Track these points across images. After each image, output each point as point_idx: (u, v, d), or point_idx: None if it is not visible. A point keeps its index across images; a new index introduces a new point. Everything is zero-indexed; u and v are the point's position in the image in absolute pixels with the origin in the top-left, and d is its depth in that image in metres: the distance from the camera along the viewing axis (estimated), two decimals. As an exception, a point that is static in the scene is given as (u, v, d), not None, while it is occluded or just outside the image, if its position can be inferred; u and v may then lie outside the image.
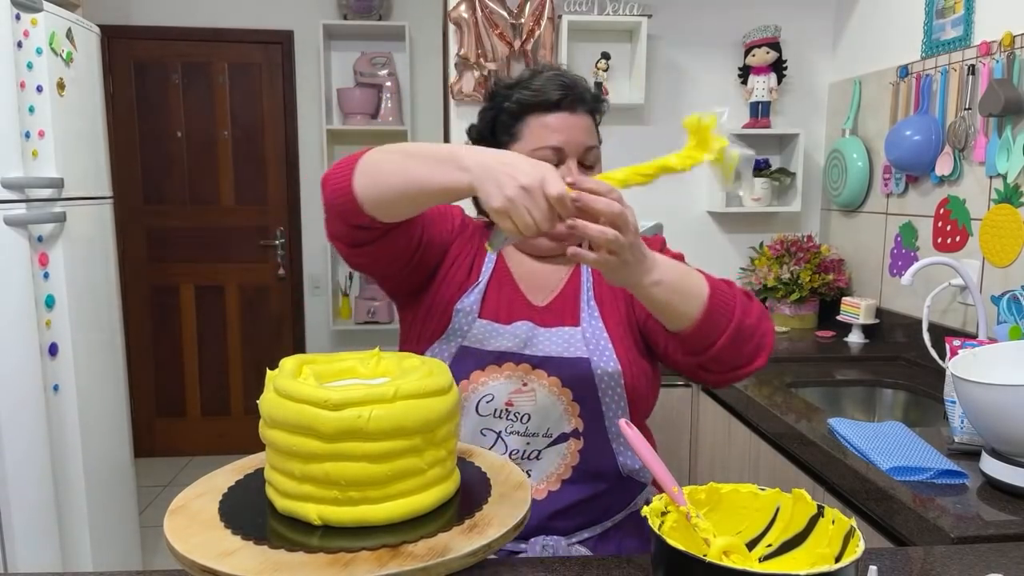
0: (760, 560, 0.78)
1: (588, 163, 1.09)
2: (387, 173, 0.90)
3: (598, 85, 2.54)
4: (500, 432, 1.03)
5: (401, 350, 1.12)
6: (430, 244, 1.10)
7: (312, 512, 0.73)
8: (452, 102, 2.57)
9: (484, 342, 1.07)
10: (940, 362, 1.80)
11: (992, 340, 1.67)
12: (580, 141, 1.08)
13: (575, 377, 1.04)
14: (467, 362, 1.05)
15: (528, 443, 1.03)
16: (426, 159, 0.87)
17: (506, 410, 1.03)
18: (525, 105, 1.09)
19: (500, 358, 1.05)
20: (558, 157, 1.07)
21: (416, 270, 1.10)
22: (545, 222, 0.80)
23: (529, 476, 1.01)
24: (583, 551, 1.05)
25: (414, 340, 1.14)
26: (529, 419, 1.03)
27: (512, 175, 0.80)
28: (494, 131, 1.13)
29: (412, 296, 1.15)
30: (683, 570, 0.67)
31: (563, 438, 1.04)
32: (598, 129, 1.15)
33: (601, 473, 1.05)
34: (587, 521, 1.06)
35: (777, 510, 0.79)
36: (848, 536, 0.72)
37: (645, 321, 1.10)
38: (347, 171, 0.93)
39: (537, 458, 1.03)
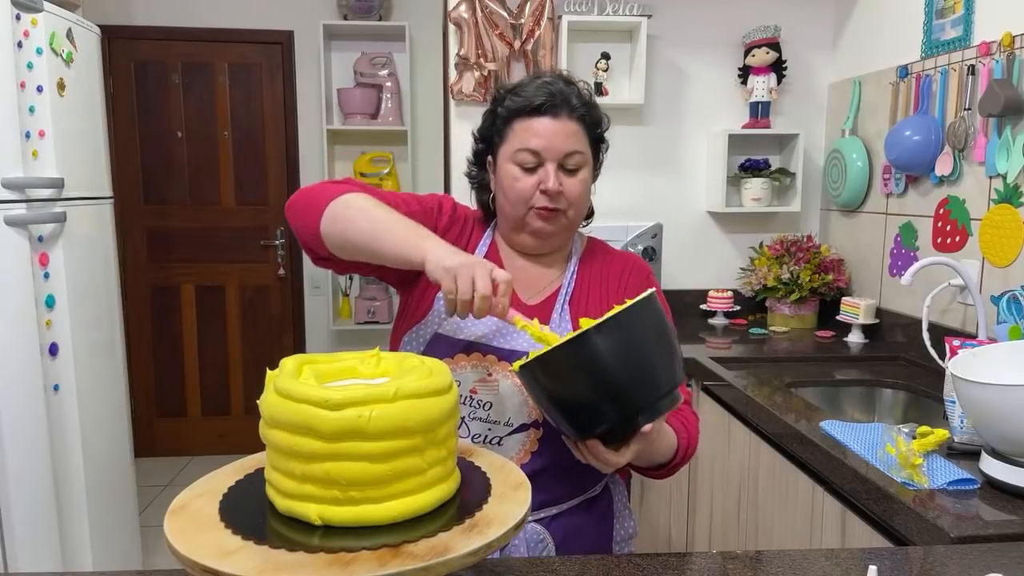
0: None
1: (570, 167, 1.14)
2: (354, 232, 1.02)
3: (598, 85, 2.54)
4: (464, 417, 1.09)
5: (392, 331, 1.21)
6: None
7: (313, 512, 0.72)
8: (452, 102, 2.57)
9: (457, 331, 1.13)
10: (940, 362, 1.80)
11: (992, 340, 1.67)
12: (559, 146, 1.12)
13: None
14: (439, 348, 1.12)
15: (490, 429, 1.10)
16: (395, 229, 1.00)
17: (470, 397, 1.09)
18: (513, 110, 1.14)
19: (469, 347, 1.11)
20: (537, 160, 1.12)
21: (394, 271, 1.14)
22: (482, 291, 0.90)
23: None
24: (537, 528, 1.12)
25: (401, 322, 1.21)
26: (491, 407, 1.09)
27: (460, 253, 0.95)
28: (490, 133, 1.19)
29: (405, 283, 1.21)
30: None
31: (523, 428, 1.10)
32: (597, 135, 1.19)
33: (558, 462, 1.09)
34: (542, 501, 1.11)
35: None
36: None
37: None
38: (315, 213, 1.05)
39: (499, 444, 1.10)
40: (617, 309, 0.90)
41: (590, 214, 1.29)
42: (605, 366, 0.88)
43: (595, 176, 1.22)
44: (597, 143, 1.20)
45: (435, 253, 0.94)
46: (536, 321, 0.97)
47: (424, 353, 1.11)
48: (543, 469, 1.10)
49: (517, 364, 0.94)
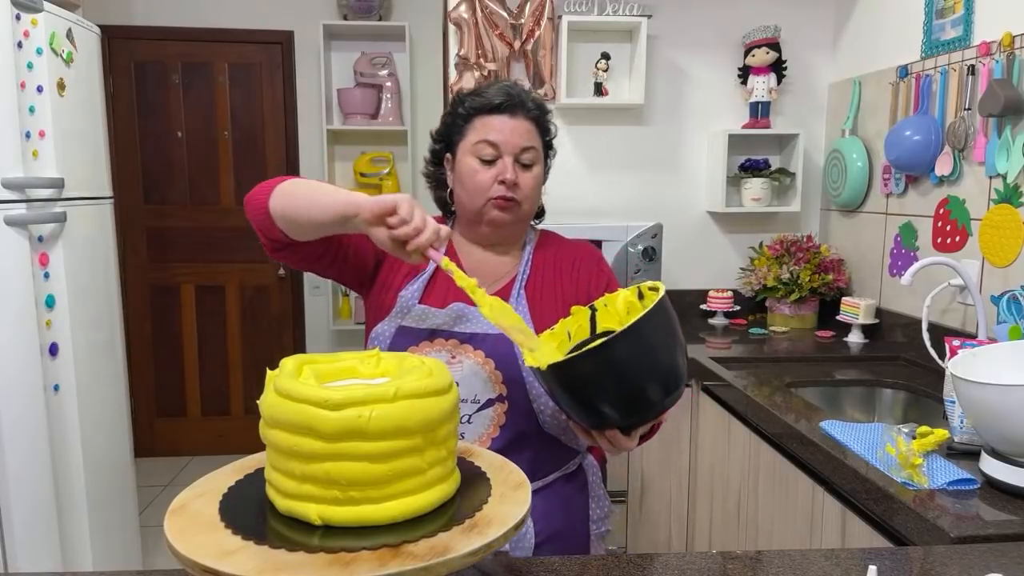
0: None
1: (525, 162, 1.23)
2: (297, 202, 1.08)
3: (598, 86, 2.54)
4: None
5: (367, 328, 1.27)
6: (360, 250, 1.25)
7: (313, 512, 0.73)
8: (452, 102, 2.57)
9: (420, 321, 1.21)
10: (940, 362, 1.80)
11: (992, 340, 1.67)
12: (516, 142, 1.22)
13: (498, 350, 1.17)
14: (403, 340, 1.19)
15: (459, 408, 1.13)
16: (333, 192, 1.05)
17: None
18: (473, 108, 1.24)
19: (432, 335, 1.19)
20: (495, 153, 1.22)
21: (348, 271, 1.25)
22: (416, 226, 0.95)
23: (462, 438, 1.11)
24: None
25: (369, 319, 1.29)
26: (457, 387, 1.11)
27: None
28: (450, 132, 1.29)
29: (364, 283, 1.29)
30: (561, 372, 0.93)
31: (489, 403, 1.17)
32: (547, 138, 1.30)
33: (526, 432, 1.17)
34: None
35: (569, 334, 1.08)
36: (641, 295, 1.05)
37: None
38: (265, 194, 1.12)
39: (468, 422, 1.16)
40: (634, 317, 0.94)
41: (541, 213, 1.38)
42: (632, 372, 0.93)
43: (544, 177, 1.32)
44: (547, 147, 1.30)
45: (368, 199, 0.99)
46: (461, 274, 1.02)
47: (390, 346, 1.18)
48: (514, 440, 1.16)
49: (535, 360, 0.97)
